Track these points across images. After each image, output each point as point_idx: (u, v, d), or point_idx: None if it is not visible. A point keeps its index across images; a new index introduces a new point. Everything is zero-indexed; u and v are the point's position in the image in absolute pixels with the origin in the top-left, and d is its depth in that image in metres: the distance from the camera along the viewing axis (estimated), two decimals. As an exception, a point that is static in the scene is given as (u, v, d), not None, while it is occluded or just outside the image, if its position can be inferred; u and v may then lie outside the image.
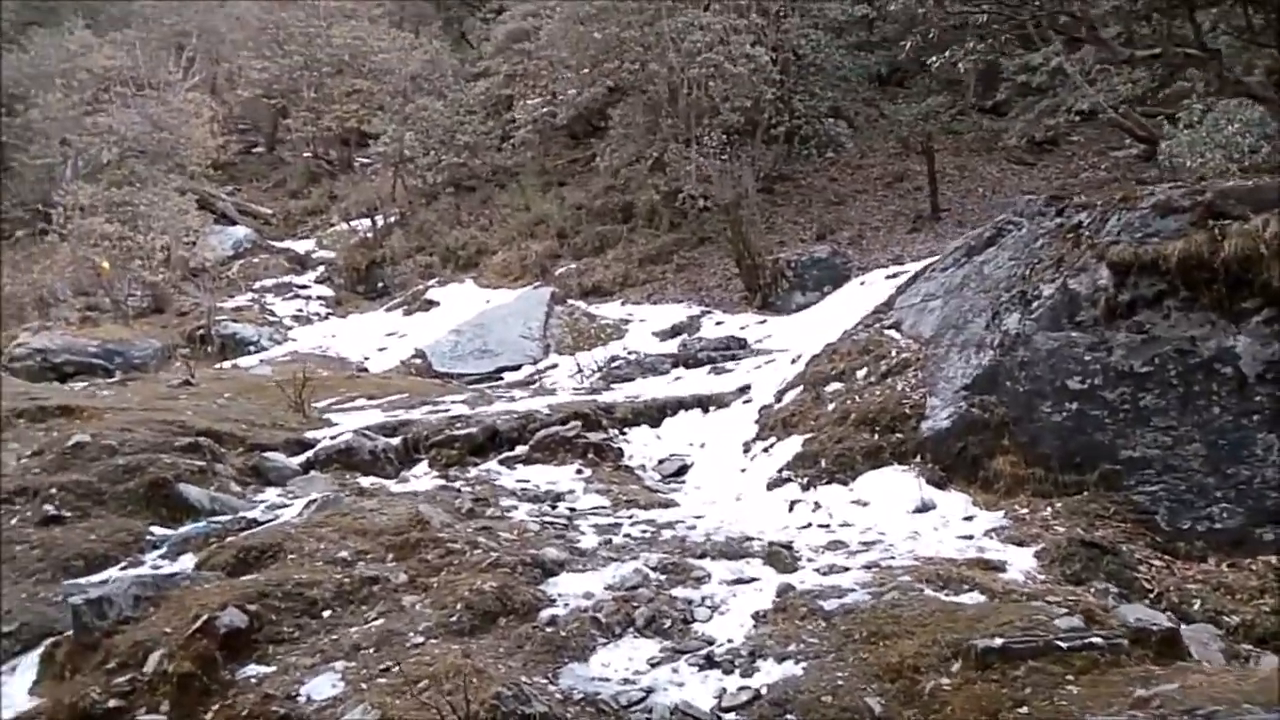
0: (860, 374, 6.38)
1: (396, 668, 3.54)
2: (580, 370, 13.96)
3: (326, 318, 20.37)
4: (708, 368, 9.70)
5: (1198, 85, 11.33)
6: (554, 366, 14.87)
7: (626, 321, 16.58)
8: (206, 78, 25.88)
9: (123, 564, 5.07)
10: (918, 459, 5.40)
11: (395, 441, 6.75)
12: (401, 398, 9.61)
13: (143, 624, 3.94)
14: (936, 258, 7.34)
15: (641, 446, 6.94)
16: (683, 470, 6.49)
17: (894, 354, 6.33)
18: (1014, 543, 4.38)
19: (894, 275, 15.19)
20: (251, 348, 17.41)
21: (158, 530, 5.41)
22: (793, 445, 6.06)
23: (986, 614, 3.33)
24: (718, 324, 15.85)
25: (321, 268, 22.47)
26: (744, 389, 7.61)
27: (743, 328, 15.27)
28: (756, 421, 6.77)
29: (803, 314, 15.57)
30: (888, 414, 5.72)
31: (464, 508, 5.14)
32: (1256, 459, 4.28)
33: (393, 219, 22.54)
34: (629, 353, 13.83)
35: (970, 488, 5.08)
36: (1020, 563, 4.18)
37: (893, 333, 6.77)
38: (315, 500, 5.46)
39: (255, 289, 21.11)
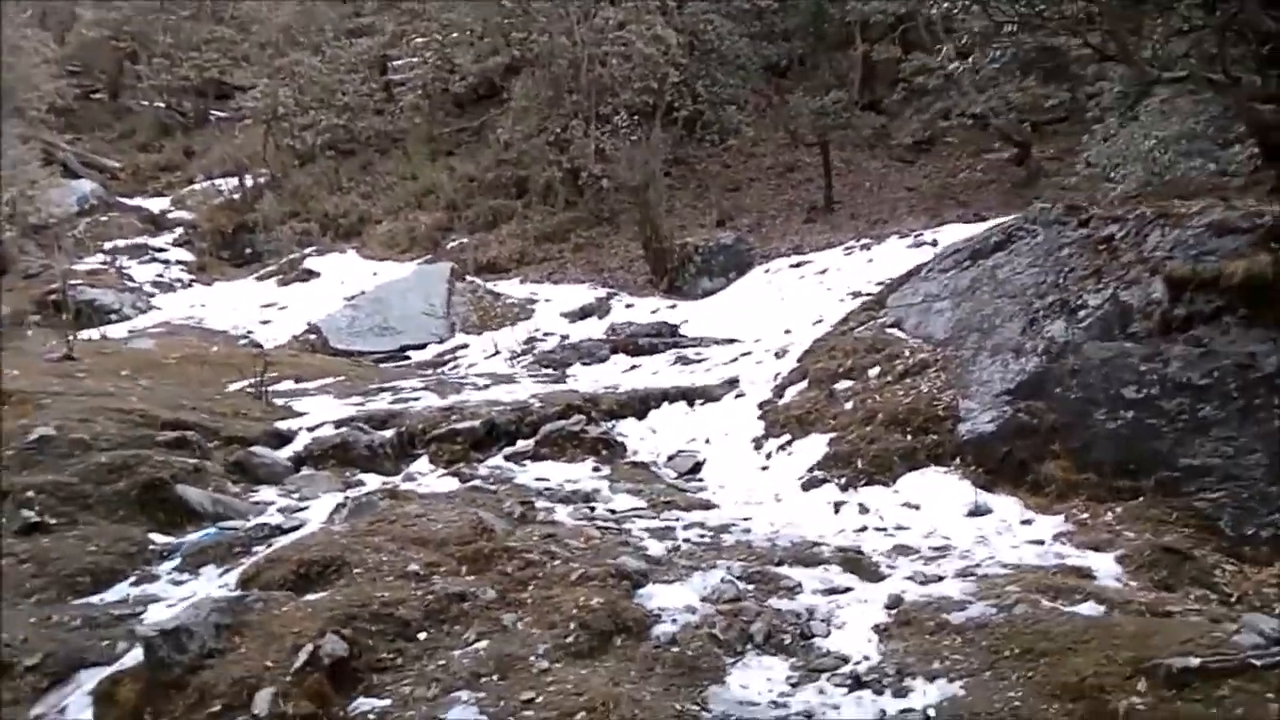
0: (873, 373, 6.50)
1: (539, 698, 3.32)
2: (498, 352, 13.60)
3: (190, 284, 18.90)
4: (666, 356, 9.64)
5: (1104, 98, 12.05)
6: (464, 347, 14.41)
7: (532, 301, 16.26)
8: (37, 12, 23.26)
9: (132, 578, 4.52)
10: (957, 461, 5.57)
11: (389, 434, 6.33)
12: (338, 381, 9.04)
13: (232, 657, 3.51)
14: (934, 258, 7.54)
15: (639, 441, 6.82)
16: (697, 468, 6.42)
17: (906, 354, 6.49)
18: (1090, 548, 4.59)
19: (798, 264, 15.64)
20: (113, 316, 15.95)
21: (158, 538, 4.84)
22: (816, 444, 6.11)
23: (1154, 630, 3.46)
24: (627, 307, 15.78)
25: (180, 229, 20.76)
26: (731, 382, 7.60)
27: (653, 311, 15.28)
28: (760, 418, 6.78)
29: (710, 299, 15.74)
30: (919, 415, 5.86)
31: (514, 513, 4.88)
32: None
33: (263, 180, 21.12)
34: (559, 336, 13.57)
35: (1018, 491, 5.28)
36: (1106, 568, 4.38)
37: (896, 331, 6.93)
38: (344, 504, 5.05)
39: (106, 250, 19.30)
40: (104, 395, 6.55)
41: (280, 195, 20.67)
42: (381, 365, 12.97)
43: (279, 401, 7.09)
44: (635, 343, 10.83)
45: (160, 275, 18.60)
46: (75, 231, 19.10)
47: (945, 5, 7.58)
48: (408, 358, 14.26)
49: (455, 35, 19.89)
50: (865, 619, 4.02)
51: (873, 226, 17.01)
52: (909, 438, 5.75)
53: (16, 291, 15.97)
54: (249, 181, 20.69)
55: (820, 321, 12.51)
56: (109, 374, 8.83)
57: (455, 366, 13.33)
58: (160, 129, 24.23)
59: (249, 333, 15.65)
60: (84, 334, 14.85)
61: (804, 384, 6.88)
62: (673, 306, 15.24)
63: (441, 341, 14.72)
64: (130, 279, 17.85)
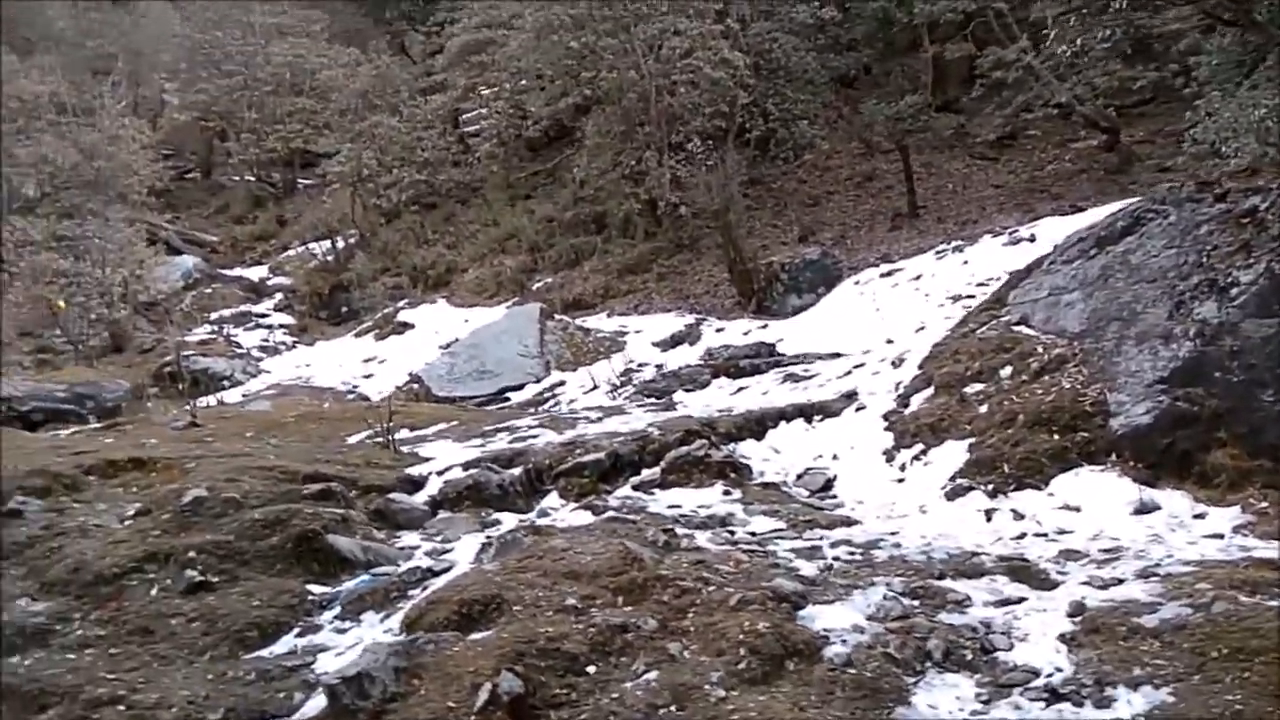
0: (1005, 373, 6.30)
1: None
2: (596, 386, 13.66)
3: (293, 346, 19.56)
4: (771, 376, 9.53)
5: (1201, 73, 11.58)
6: (561, 384, 14.51)
7: (622, 333, 16.30)
8: (132, 102, 24.62)
9: (297, 629, 4.62)
10: (1112, 458, 5.34)
11: (517, 472, 6.38)
12: (452, 426, 9.17)
13: (413, 699, 3.54)
14: (1054, 250, 7.30)
15: (763, 461, 6.73)
16: (829, 485, 6.29)
17: (1039, 350, 6.28)
18: (1276, 538, 4.33)
19: (889, 273, 15.34)
20: (226, 382, 16.55)
21: (315, 588, 4.95)
22: (954, 452, 5.94)
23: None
24: (718, 331, 15.70)
25: (279, 295, 21.59)
26: (848, 396, 7.46)
27: (745, 333, 15.18)
28: (888, 429, 6.63)
29: (802, 316, 15.55)
30: (1065, 413, 5.64)
31: (659, 541, 4.84)
32: None
33: (353, 240, 21.82)
34: (654, 365, 13.57)
35: (1184, 484, 5.04)
36: (1301, 560, 4.13)
37: (1023, 329, 6.71)
38: (489, 543, 5.09)
39: (213, 321, 20.15)
40: (242, 456, 6.76)
41: (370, 253, 21.31)
42: (485, 408, 13.16)
43: (404, 449, 7.22)
44: (736, 365, 10.75)
45: (265, 340, 19.31)
46: (182, 305, 19.98)
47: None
48: (508, 399, 14.44)
49: (524, 82, 20.33)
50: (1048, 629, 3.85)
51: (962, 228, 16.63)
52: (1056, 437, 5.53)
53: (134, 366, 16.75)
54: (340, 243, 21.39)
55: (923, 329, 12.24)
56: (235, 436, 9.13)
57: (556, 403, 13.44)
58: (253, 201, 25.30)
59: (354, 387, 16.09)
60: (201, 401, 15.48)
61: (930, 391, 6.71)
62: (764, 326, 15.10)
63: (538, 381, 14.86)
64: (238, 346, 18.57)
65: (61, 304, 16.05)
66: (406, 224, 21.74)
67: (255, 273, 22.71)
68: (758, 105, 18.25)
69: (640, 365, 14.34)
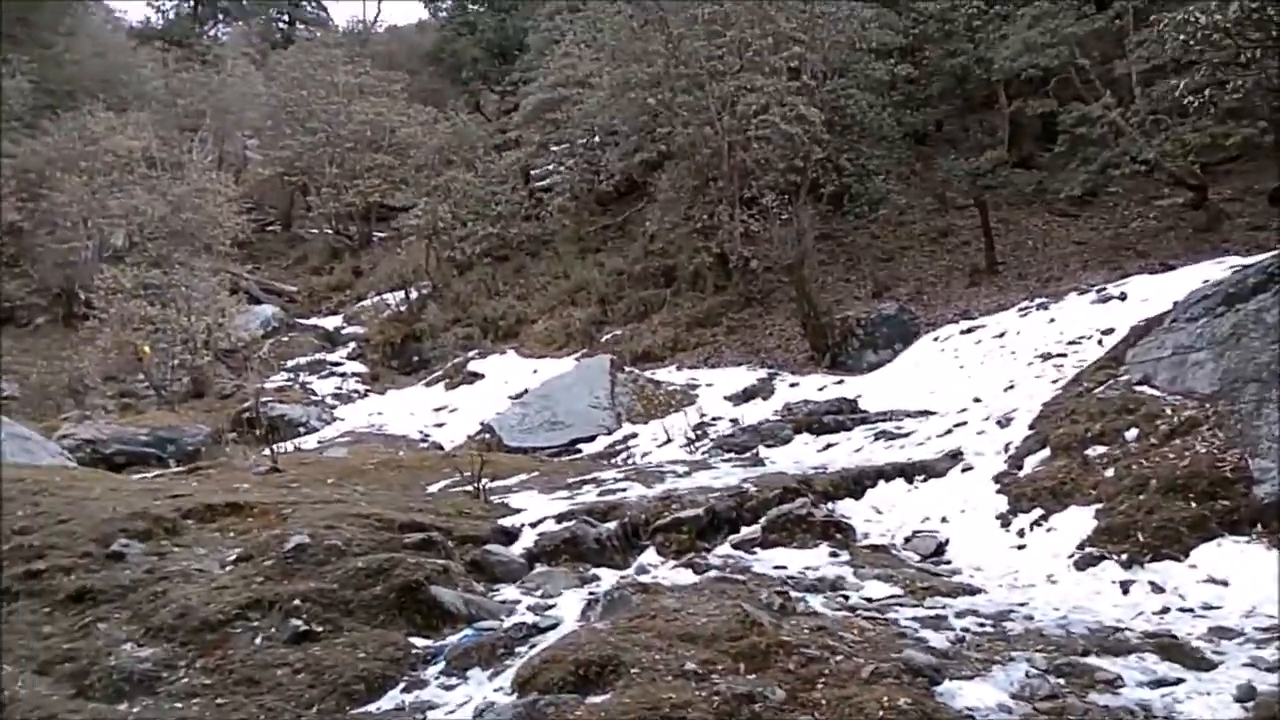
0: (1130, 435, 6.00)
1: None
2: (670, 439, 13.51)
3: (365, 394, 19.80)
4: (859, 432, 9.29)
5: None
6: (634, 436, 14.40)
7: (693, 386, 16.17)
8: (218, 158, 25.57)
9: (403, 684, 4.50)
10: (1258, 528, 5.01)
11: (613, 526, 6.24)
12: (533, 476, 9.08)
13: None
14: (1172, 308, 7.00)
15: (865, 522, 6.48)
16: (941, 549, 6.02)
17: (1168, 412, 5.98)
18: None
19: (970, 330, 15.01)
20: (301, 429, 16.77)
21: (418, 641, 4.83)
22: (1079, 518, 5.64)
23: None
24: (792, 386, 15.50)
25: (353, 344, 21.96)
26: (953, 456, 7.19)
27: (820, 389, 14.95)
28: (1000, 492, 6.34)
29: (879, 373, 15.29)
30: (1202, 479, 5.33)
31: (774, 604, 4.63)
32: None
33: (425, 291, 22.16)
34: (729, 420, 13.40)
35: None
36: None
37: (1145, 389, 6.41)
38: (596, 600, 4.94)
39: (289, 368, 20.53)
40: (335, 503, 6.73)
41: (443, 304, 21.61)
42: (557, 459, 13.08)
43: (494, 499, 7.12)
44: (819, 421, 10.53)
45: (339, 388, 19.59)
46: (261, 353, 20.39)
47: (1181, 38, 7.06)
48: (579, 450, 14.37)
49: (598, 138, 20.62)
50: (1216, 714, 3.54)
51: (1044, 285, 16.27)
52: (1194, 505, 5.21)
53: (214, 411, 17.08)
54: (413, 294, 21.75)
55: (1012, 387, 11.90)
56: (318, 482, 9.16)
57: (629, 455, 13.32)
58: (330, 253, 25.94)
59: (427, 435, 16.17)
60: (278, 446, 15.66)
61: (1046, 452, 6.41)
62: (840, 382, 14.85)
63: (610, 432, 14.78)
64: (313, 393, 18.85)
65: (147, 349, 16.48)
66: (478, 276, 22.05)
67: (330, 322, 23.18)
68: (831, 161, 18.22)
69: (714, 419, 14.17)
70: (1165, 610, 4.67)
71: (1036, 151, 20.11)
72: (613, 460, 12.92)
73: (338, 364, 21.09)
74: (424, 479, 10.21)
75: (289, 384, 19.18)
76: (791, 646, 4.11)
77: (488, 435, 15.27)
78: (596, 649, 4.10)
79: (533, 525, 6.38)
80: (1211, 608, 4.61)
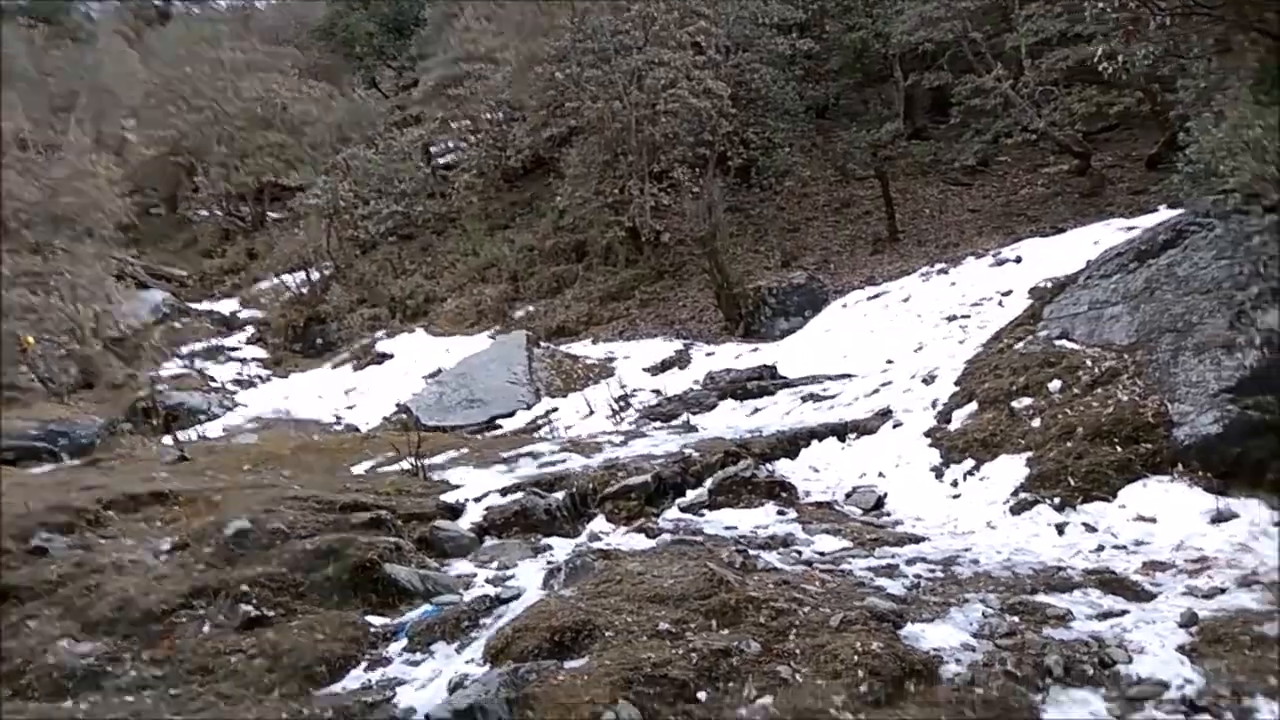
0: (1053, 387, 6.29)
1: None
2: (593, 412, 13.51)
3: (268, 379, 19.15)
4: (785, 396, 9.47)
5: (1183, 95, 11.87)
6: (554, 411, 14.33)
7: (611, 360, 16.17)
8: (105, 138, 24.13)
9: (365, 663, 4.39)
10: (1179, 468, 5.32)
11: (560, 496, 6.21)
12: (462, 454, 8.96)
13: None
14: (1085, 266, 7.34)
15: (804, 480, 6.64)
16: (881, 503, 6.21)
17: (1088, 364, 6.28)
18: None
19: (876, 296, 15.45)
20: (202, 417, 16.09)
21: (376, 620, 4.72)
22: (1011, 466, 5.89)
23: None
24: (708, 355, 15.67)
25: (251, 328, 21.17)
26: (883, 414, 7.41)
27: (736, 357, 15.16)
28: (933, 446, 6.57)
29: (791, 339, 15.58)
30: (1125, 425, 5.63)
31: (735, 562, 4.70)
32: None
33: (328, 272, 21.47)
34: (651, 390, 13.46)
35: (1258, 493, 5.03)
36: (1401, 559, 4.12)
37: (1065, 343, 6.72)
38: (558, 569, 4.91)
39: (184, 355, 19.64)
40: (267, 487, 6.50)
41: (346, 285, 21.00)
42: (478, 436, 12.92)
43: (434, 476, 6.99)
44: (743, 387, 10.69)
45: (239, 373, 18.88)
46: (153, 340, 19.44)
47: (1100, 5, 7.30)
48: (499, 427, 14.23)
49: (501, 114, 20.32)
50: (1164, 641, 3.78)
51: (943, 251, 16.83)
52: (1119, 449, 5.51)
53: (106, 402, 16.21)
54: (314, 275, 21.05)
55: (921, 348, 12.32)
56: (233, 469, 8.81)
57: (553, 430, 13.25)
58: (221, 235, 24.87)
59: (339, 419, 15.75)
60: (180, 434, 14.98)
61: (973, 406, 6.68)
62: (755, 350, 15.09)
63: (529, 408, 14.67)
64: (212, 380, 18.11)
65: (30, 340, 15.51)
66: (383, 255, 21.51)
67: (226, 306, 22.27)
68: (738, 134, 18.40)
69: (634, 390, 14.20)
70: (1100, 548, 4.95)
71: (929, 123, 20.77)
72: (536, 435, 12.84)
73: (236, 349, 20.31)
74: (346, 461, 9.92)
75: (186, 371, 18.38)
76: (759, 601, 4.19)
77: (404, 415, 14.95)
78: (568, 615, 4.10)
79: (477, 500, 6.30)
80: (1143, 543, 4.90)
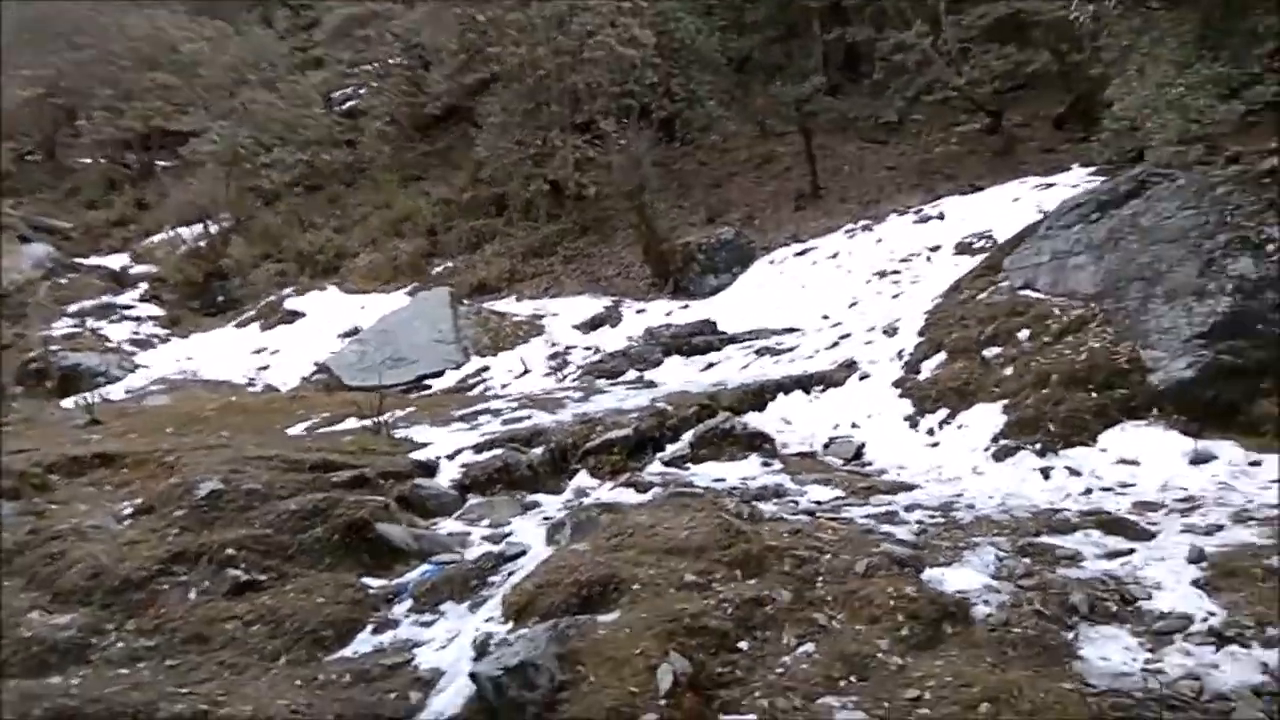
0: (1022, 335, 6.44)
1: (925, 694, 3.14)
2: (528, 370, 13.32)
3: (168, 339, 18.10)
4: (736, 351, 9.48)
5: (1106, 55, 12.26)
6: (486, 369, 14.05)
7: (539, 317, 15.92)
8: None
9: (371, 626, 4.18)
10: (1155, 412, 5.53)
11: (539, 452, 6.05)
12: (410, 413, 8.69)
13: (585, 687, 3.24)
14: (1046, 216, 7.51)
15: (778, 432, 6.65)
16: (859, 452, 6.27)
17: (1055, 313, 6.45)
18: None
19: (804, 252, 15.62)
20: (101, 378, 15.12)
21: (372, 581, 4.50)
22: (988, 414, 6.02)
23: None
24: (639, 312, 15.61)
25: (144, 284, 19.93)
26: (848, 365, 7.48)
27: (667, 314, 15.15)
28: (903, 396, 6.67)
29: (721, 296, 15.64)
30: (1100, 371, 5.81)
31: (742, 513, 4.67)
32: None
33: (227, 225, 20.34)
34: (585, 348, 13.33)
35: (1230, 434, 5.28)
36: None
37: (1029, 293, 6.89)
38: (559, 524, 4.78)
39: (73, 313, 18.36)
40: (219, 448, 6.12)
41: (249, 238, 19.98)
42: (409, 396, 12.56)
43: (407, 436, 6.73)
44: (688, 343, 10.68)
45: (135, 333, 17.78)
46: (38, 297, 18.12)
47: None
48: (429, 387, 13.87)
49: (420, 58, 19.55)
50: (1178, 576, 3.94)
51: (866, 208, 17.09)
52: (1095, 395, 5.70)
53: (-8, 364, 15.06)
54: (214, 228, 19.92)
55: (855, 304, 12.54)
56: (155, 432, 8.30)
57: (487, 388, 13.01)
58: (107, 184, 23.25)
59: (252, 380, 15.03)
60: (81, 397, 14.04)
61: (942, 356, 6.80)
62: (685, 307, 15.08)
63: (458, 367, 14.34)
64: (107, 339, 17.00)
65: (-97, 296, 14.22)
66: (288, 207, 20.52)
67: (115, 261, 20.91)
68: (662, 85, 18.19)
69: (568, 348, 14.03)
70: (1089, 491, 5.12)
71: (844, 80, 21.01)
72: (473, 393, 12.57)
73: (129, 307, 19.07)
74: (279, 423, 9.48)
75: (77, 330, 17.19)
76: (779, 550, 4.18)
77: (324, 375, 14.42)
78: (591, 569, 3.99)
79: (449, 458, 6.10)
80: (1128, 485, 5.10)
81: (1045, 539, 4.44)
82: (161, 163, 23.63)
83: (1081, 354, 6.01)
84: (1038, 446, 5.65)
